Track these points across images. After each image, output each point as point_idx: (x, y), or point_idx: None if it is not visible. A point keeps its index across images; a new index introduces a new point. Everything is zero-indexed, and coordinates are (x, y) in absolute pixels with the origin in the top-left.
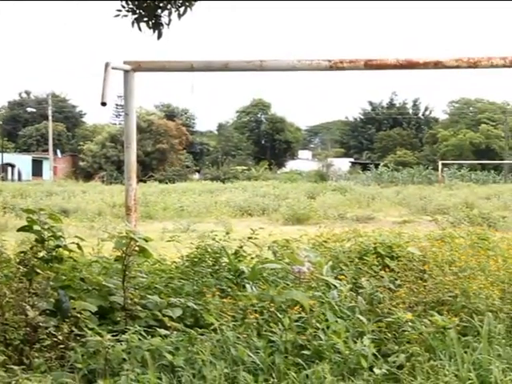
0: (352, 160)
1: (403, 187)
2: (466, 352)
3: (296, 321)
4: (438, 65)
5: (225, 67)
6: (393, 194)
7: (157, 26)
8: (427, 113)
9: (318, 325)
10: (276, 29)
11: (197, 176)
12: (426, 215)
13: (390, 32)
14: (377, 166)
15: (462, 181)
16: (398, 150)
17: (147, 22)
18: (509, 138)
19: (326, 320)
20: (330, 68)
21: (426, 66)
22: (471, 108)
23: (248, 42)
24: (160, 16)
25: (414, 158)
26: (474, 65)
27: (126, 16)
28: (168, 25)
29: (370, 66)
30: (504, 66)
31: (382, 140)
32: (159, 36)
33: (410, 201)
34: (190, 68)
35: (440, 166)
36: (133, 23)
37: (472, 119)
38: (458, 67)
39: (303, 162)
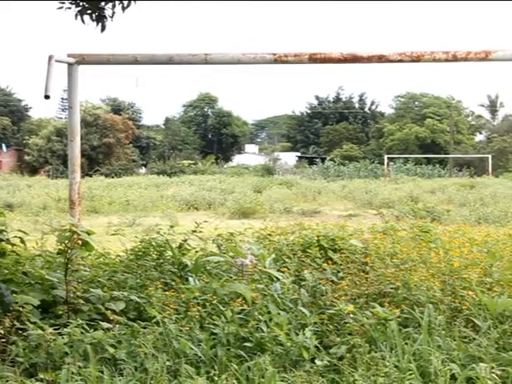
0: (298, 154)
1: (349, 181)
2: (406, 343)
3: (238, 313)
4: (381, 59)
5: (169, 60)
6: (339, 188)
7: (100, 19)
8: (373, 107)
9: (260, 317)
10: (222, 23)
11: (143, 170)
12: (372, 209)
13: (335, 27)
14: (323, 160)
15: (407, 175)
16: (345, 145)
17: (91, 15)
18: (454, 132)
19: (269, 312)
20: (275, 61)
21: (369, 59)
22: (417, 102)
23: (194, 36)
24: (103, 9)
25: (360, 152)
26: (417, 59)
27: (69, 8)
28: (112, 17)
29: (314, 59)
30: (446, 60)
31: (329, 134)
32: (103, 29)
33: (355, 195)
34: (135, 61)
35: (386, 160)
36: (76, 16)
37: (417, 114)
38: (401, 61)
39: (250, 156)
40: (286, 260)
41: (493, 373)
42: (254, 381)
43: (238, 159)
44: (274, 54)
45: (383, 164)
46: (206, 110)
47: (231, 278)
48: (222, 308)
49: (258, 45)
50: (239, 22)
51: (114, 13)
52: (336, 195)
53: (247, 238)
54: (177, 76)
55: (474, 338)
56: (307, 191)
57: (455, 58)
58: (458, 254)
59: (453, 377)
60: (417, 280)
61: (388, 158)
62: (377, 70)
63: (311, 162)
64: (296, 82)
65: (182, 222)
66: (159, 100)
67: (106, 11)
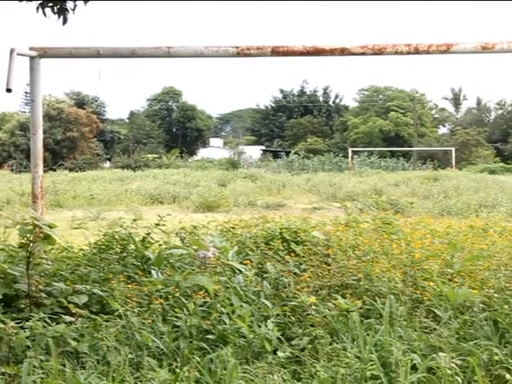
0: (263, 148)
1: (313, 174)
2: (368, 334)
3: (201, 306)
4: (344, 51)
5: (132, 54)
6: (303, 182)
7: (62, 12)
8: (338, 100)
9: (222, 309)
10: (186, 16)
11: (108, 164)
12: (336, 202)
13: (299, 20)
14: (288, 153)
15: (371, 168)
16: (309, 138)
17: (52, 8)
18: (417, 125)
19: (231, 304)
20: (238, 54)
21: (332, 52)
22: (381, 96)
23: (158, 30)
24: (65, 1)
25: (324, 146)
26: (379, 51)
27: (30, 1)
28: (73, 10)
29: (277, 52)
30: (408, 52)
31: (293, 128)
32: (64, 22)
33: (320, 188)
34: (97, 54)
35: (350, 154)
36: (37, 8)
37: (381, 107)
38: (363, 54)
39: (215, 149)
40: (249, 253)
41: (453, 363)
42: (216, 373)
43: (202, 153)
44: (237, 47)
45: (347, 157)
46: (170, 103)
47: (194, 270)
48: (184, 301)
49: (223, 38)
50: (204, 16)
51: (75, 6)
52: (300, 188)
53: (211, 231)
54: (141, 69)
55: (435, 329)
56: (272, 185)
57: (417, 51)
58: (420, 246)
59: (414, 367)
60: (378, 271)
61: (352, 151)
62: (341, 63)
63: (276, 155)
64: (260, 75)
65: (146, 215)
66: (123, 94)
67: (67, 4)
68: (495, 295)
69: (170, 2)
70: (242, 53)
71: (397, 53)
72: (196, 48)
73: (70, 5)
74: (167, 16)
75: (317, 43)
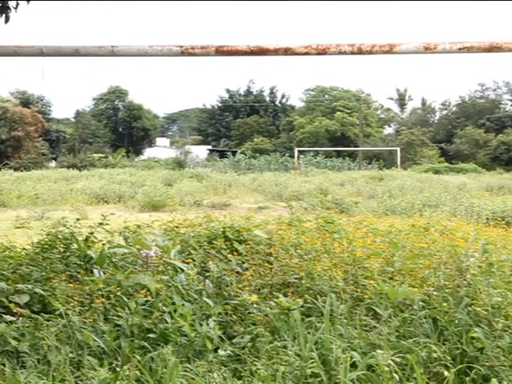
0: (210, 147)
1: (260, 174)
2: (309, 332)
3: (143, 305)
4: (288, 51)
5: (76, 52)
6: (249, 181)
7: (4, 10)
8: (284, 100)
9: (164, 308)
10: (130, 15)
11: (53, 164)
12: (282, 201)
13: (244, 20)
14: (234, 153)
15: (317, 167)
16: (256, 138)
17: None
18: (363, 125)
19: (173, 303)
20: (182, 54)
21: (276, 52)
22: (327, 96)
23: (102, 29)
24: (6, 0)
25: (271, 146)
26: (323, 51)
27: None
28: (16, 9)
29: (221, 52)
30: (352, 52)
31: (240, 127)
32: (7, 20)
33: (265, 187)
34: (41, 53)
35: (296, 153)
36: None
37: (327, 107)
38: (307, 54)
39: (161, 149)
40: (192, 252)
41: (392, 360)
42: (157, 371)
43: (148, 152)
44: (181, 47)
45: (294, 157)
46: (116, 103)
47: (136, 269)
48: (126, 299)
49: (169, 37)
50: (151, 15)
51: (18, 4)
52: (246, 188)
53: (154, 231)
54: (88, 69)
55: (375, 327)
56: (218, 184)
57: (360, 51)
58: (361, 244)
59: (354, 364)
60: (320, 270)
61: (298, 150)
62: (288, 63)
63: (222, 155)
64: (207, 75)
65: (91, 215)
66: (70, 93)
67: (9, 2)
68: (435, 293)
69: (116, 1)
70: (186, 52)
71: (340, 53)
72: (140, 47)
73: (12, 3)
74: (113, 15)
75: (261, 43)
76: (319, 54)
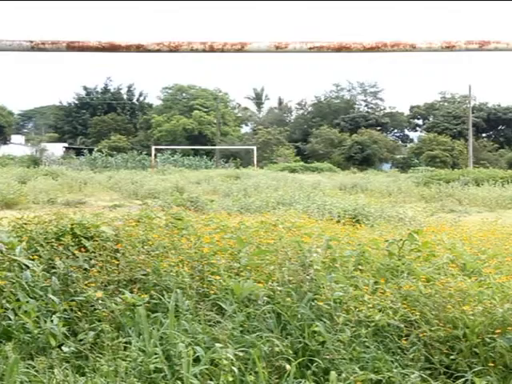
0: (66, 145)
1: (116, 172)
2: (154, 328)
3: None
4: (140, 48)
5: None
6: (105, 179)
7: None
8: (142, 98)
9: (8, 305)
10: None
11: None
12: (137, 199)
13: (95, 16)
14: (91, 151)
15: (175, 166)
16: (113, 136)
17: None
18: (220, 124)
19: (17, 300)
20: (32, 49)
21: (128, 49)
22: (184, 94)
23: None
24: None
25: (128, 144)
26: (175, 48)
27: None
28: None
29: (72, 47)
30: (204, 50)
31: (97, 125)
32: None
33: (121, 185)
34: None
35: (153, 152)
36: None
37: (185, 105)
38: (159, 51)
39: (16, 146)
40: (39, 248)
41: (235, 354)
42: None
43: (3, 150)
44: (31, 42)
45: (151, 155)
46: None
47: None
48: None
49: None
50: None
51: None
52: (102, 186)
53: (2, 228)
54: None
55: (220, 322)
56: (73, 182)
57: (212, 49)
58: (209, 241)
59: (198, 359)
60: (167, 266)
61: (156, 149)
62: (146, 61)
63: (79, 152)
64: (64, 72)
65: None
66: None
67: None
68: (279, 288)
69: None
70: (36, 47)
71: (192, 50)
72: None
73: None
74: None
75: (114, 39)
76: (171, 51)
